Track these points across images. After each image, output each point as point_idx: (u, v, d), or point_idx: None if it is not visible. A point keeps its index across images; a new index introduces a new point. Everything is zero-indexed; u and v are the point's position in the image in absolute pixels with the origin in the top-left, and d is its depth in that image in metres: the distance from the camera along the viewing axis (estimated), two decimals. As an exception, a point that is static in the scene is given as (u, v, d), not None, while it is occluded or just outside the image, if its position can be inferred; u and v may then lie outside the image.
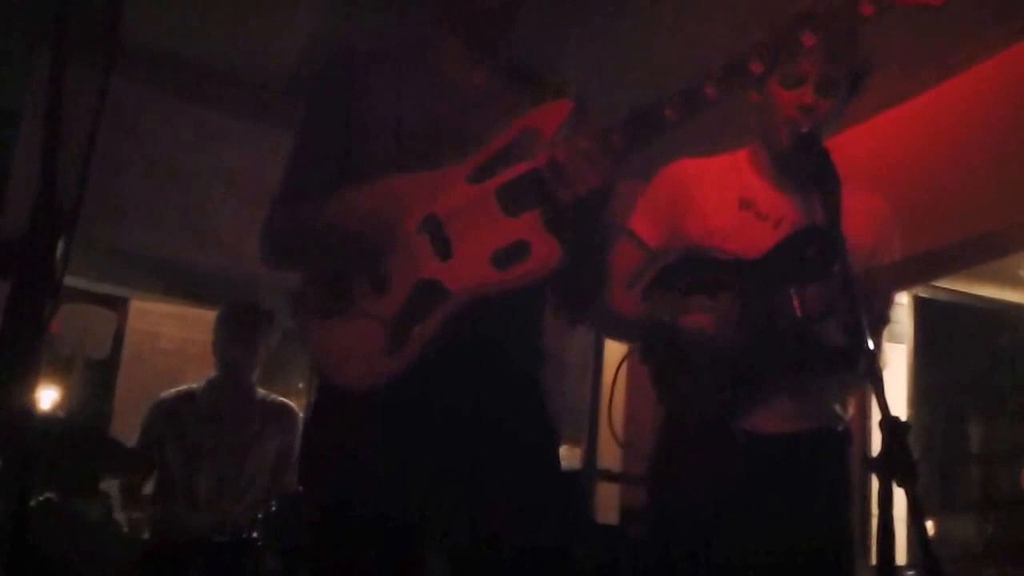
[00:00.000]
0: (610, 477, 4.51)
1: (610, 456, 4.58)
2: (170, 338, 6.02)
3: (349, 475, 1.76)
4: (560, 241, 1.69)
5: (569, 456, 4.57)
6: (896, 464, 1.68)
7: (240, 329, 3.87)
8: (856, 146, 4.02)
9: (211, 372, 3.97)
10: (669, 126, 1.70)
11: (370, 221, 1.75)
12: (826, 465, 2.21)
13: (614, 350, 4.62)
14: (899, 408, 3.92)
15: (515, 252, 1.70)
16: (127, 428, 4.29)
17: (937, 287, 4.21)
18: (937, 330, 4.21)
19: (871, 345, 1.81)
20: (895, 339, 3.96)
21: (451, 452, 1.76)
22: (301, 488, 2.03)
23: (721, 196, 2.30)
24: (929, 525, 4.19)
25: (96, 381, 5.68)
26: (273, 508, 3.26)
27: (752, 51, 1.74)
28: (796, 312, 2.11)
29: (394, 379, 1.71)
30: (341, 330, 1.76)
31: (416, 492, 1.75)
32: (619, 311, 2.27)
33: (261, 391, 3.98)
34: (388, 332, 1.71)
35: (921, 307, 4.28)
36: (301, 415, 3.98)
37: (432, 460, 1.75)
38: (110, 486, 3.76)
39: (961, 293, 4.33)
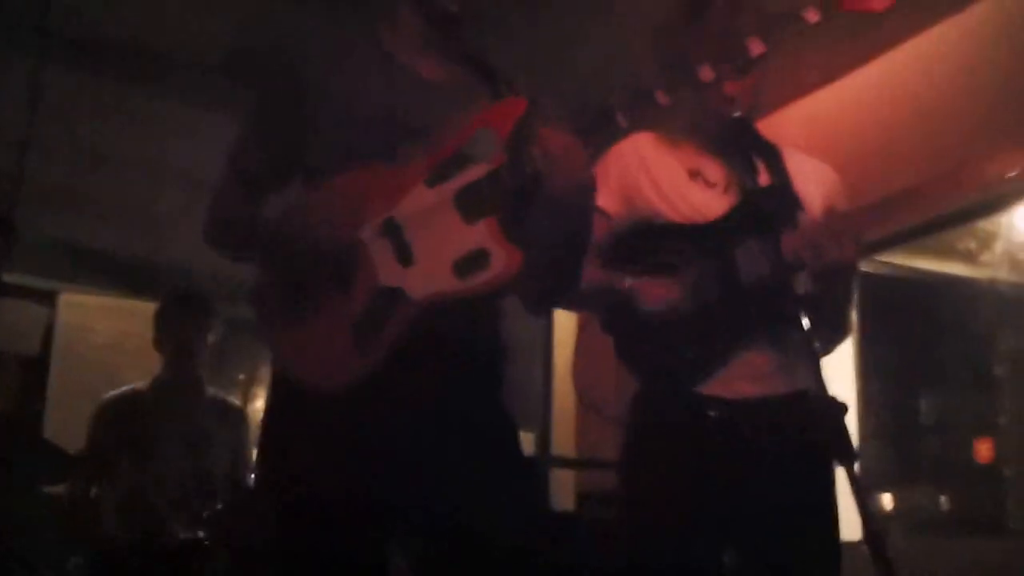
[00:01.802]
0: (565, 463, 4.50)
1: (564, 442, 4.57)
2: (104, 332, 5.85)
3: (310, 472, 1.73)
4: (520, 247, 1.70)
5: (522, 442, 4.53)
6: (834, 444, 1.71)
7: (183, 322, 3.77)
8: (795, 117, 4.12)
9: (149, 367, 3.86)
10: (621, 132, 1.78)
11: (330, 224, 1.74)
12: (805, 430, 2.13)
13: (563, 332, 4.60)
14: (848, 382, 3.98)
15: (475, 261, 1.70)
16: (61, 426, 4.17)
17: (879, 261, 4.26)
18: (881, 304, 4.25)
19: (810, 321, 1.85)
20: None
21: (412, 447, 1.73)
22: (259, 485, 1.99)
23: (671, 166, 2.33)
24: (887, 498, 4.28)
25: (26, 379, 5.52)
26: (221, 507, 3.19)
27: (701, 57, 1.77)
28: (762, 264, 2.12)
29: (359, 380, 1.69)
30: (304, 329, 1.74)
31: (378, 487, 1.72)
32: (580, 281, 2.25)
33: (210, 388, 3.89)
34: (352, 336, 1.70)
35: (864, 283, 4.30)
36: (247, 411, 3.91)
37: (393, 455, 1.73)
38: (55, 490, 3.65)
39: (902, 267, 4.38)
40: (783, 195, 2.15)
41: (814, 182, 2.34)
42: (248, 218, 1.83)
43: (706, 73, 1.81)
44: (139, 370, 3.95)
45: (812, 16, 1.81)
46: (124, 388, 3.86)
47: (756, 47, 1.81)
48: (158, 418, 3.70)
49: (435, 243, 1.73)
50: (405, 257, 1.73)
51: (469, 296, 1.71)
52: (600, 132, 1.77)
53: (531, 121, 1.71)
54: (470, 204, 1.72)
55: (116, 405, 3.79)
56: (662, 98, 1.76)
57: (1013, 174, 2.07)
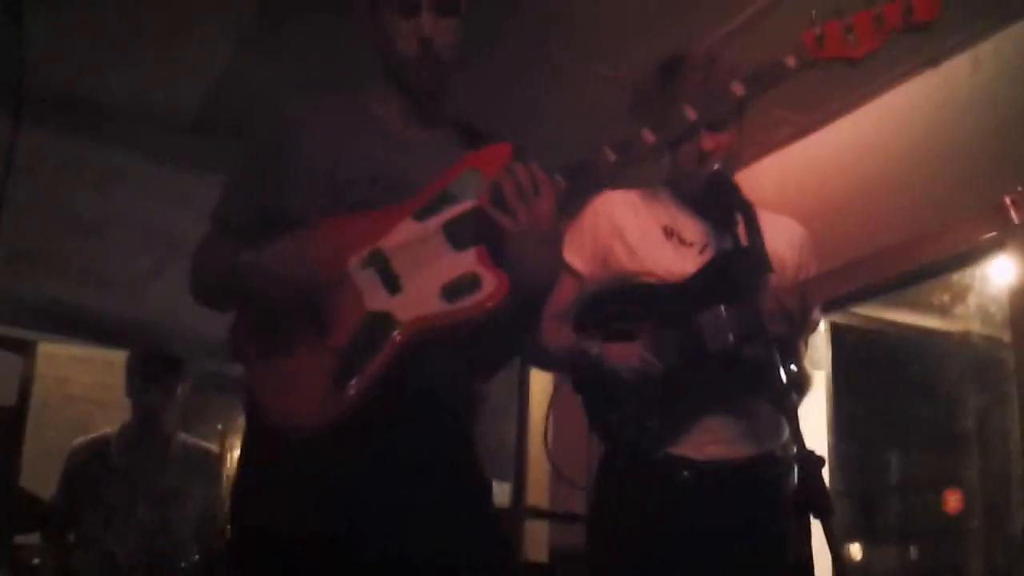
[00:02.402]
0: (539, 514, 4.47)
1: (538, 493, 4.55)
2: (80, 383, 5.81)
3: (280, 519, 1.71)
4: (513, 279, 1.71)
5: (497, 493, 4.49)
6: (811, 498, 1.71)
7: (153, 376, 3.75)
8: (766, 174, 4.15)
9: (124, 418, 3.84)
10: (609, 170, 1.76)
11: (313, 265, 1.73)
12: (771, 492, 2.18)
13: (538, 383, 4.60)
14: (820, 435, 3.99)
15: (465, 284, 1.71)
16: (37, 476, 4.13)
17: (853, 314, 4.29)
18: (854, 357, 4.27)
19: (784, 376, 1.86)
20: (814, 366, 4.04)
21: (386, 499, 1.72)
22: (232, 534, 1.96)
23: (645, 225, 2.34)
24: (855, 551, 4.28)
25: (3, 428, 5.46)
26: (197, 559, 3.15)
27: (686, 100, 1.81)
28: (727, 332, 2.14)
29: (344, 414, 1.66)
30: (285, 370, 1.72)
31: (348, 537, 1.70)
32: (550, 342, 2.26)
33: (182, 435, 3.86)
34: (337, 367, 1.68)
35: (838, 334, 4.34)
36: (225, 459, 3.89)
37: (367, 506, 1.71)
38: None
39: (876, 319, 4.41)
40: (755, 258, 2.14)
41: (786, 243, 2.35)
42: (230, 266, 1.80)
43: (691, 113, 1.82)
44: (114, 421, 3.92)
45: (792, 62, 1.85)
46: (94, 435, 3.84)
47: (737, 89, 1.84)
48: (125, 468, 3.68)
49: (423, 269, 1.73)
50: (392, 285, 1.73)
51: (458, 320, 1.70)
52: (588, 170, 1.78)
53: (515, 163, 1.74)
54: (459, 234, 1.74)
55: (82, 454, 3.76)
56: (649, 136, 1.79)
57: (991, 235, 2.11)
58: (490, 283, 1.71)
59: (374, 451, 1.71)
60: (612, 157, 1.77)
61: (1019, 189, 2.09)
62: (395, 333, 1.69)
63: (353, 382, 1.67)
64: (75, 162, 4.38)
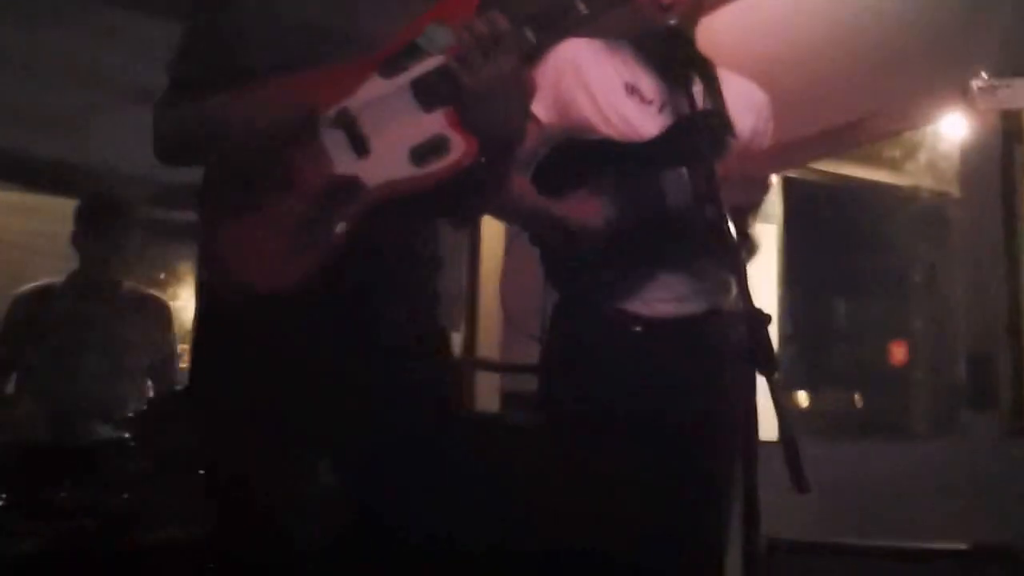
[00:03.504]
0: (489, 366, 4.50)
1: (489, 345, 4.57)
2: (15, 230, 5.68)
3: (240, 381, 1.71)
4: (477, 137, 1.68)
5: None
6: (757, 355, 1.73)
7: (101, 223, 3.67)
8: (726, 31, 4.05)
9: (60, 266, 3.75)
10: (582, 21, 1.70)
11: (276, 116, 1.68)
12: (719, 346, 2.21)
13: (489, 232, 4.56)
14: (769, 287, 4.05)
15: (434, 147, 1.68)
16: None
17: (805, 168, 4.30)
18: (805, 210, 4.31)
19: (735, 235, 1.85)
20: (766, 220, 4.06)
21: (339, 360, 1.71)
22: (189, 392, 1.96)
23: (608, 77, 2.31)
24: (801, 398, 4.42)
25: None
26: (146, 408, 3.14)
27: None
28: (687, 192, 2.13)
29: (306, 277, 1.64)
30: (248, 229, 1.68)
31: (306, 401, 1.69)
32: (510, 194, 2.23)
33: (130, 283, 3.81)
34: (300, 229, 1.65)
35: (790, 188, 4.38)
36: (171, 306, 3.87)
37: (317, 365, 1.70)
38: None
39: (828, 173, 4.44)
40: (717, 121, 2.15)
41: (745, 106, 2.34)
42: (193, 121, 1.75)
43: None
44: (50, 269, 3.85)
45: None
46: (37, 283, 3.77)
47: None
48: (73, 315, 3.62)
49: (391, 131, 1.69)
50: (360, 147, 1.68)
51: (426, 184, 1.68)
52: (557, 21, 1.72)
53: (479, 15, 1.67)
54: (426, 93, 1.69)
55: (26, 300, 3.69)
56: None
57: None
58: (458, 146, 1.68)
59: (326, 307, 1.67)
60: (584, 9, 1.70)
61: (983, 76, 2.04)
62: (360, 198, 1.66)
63: (316, 249, 1.64)
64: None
